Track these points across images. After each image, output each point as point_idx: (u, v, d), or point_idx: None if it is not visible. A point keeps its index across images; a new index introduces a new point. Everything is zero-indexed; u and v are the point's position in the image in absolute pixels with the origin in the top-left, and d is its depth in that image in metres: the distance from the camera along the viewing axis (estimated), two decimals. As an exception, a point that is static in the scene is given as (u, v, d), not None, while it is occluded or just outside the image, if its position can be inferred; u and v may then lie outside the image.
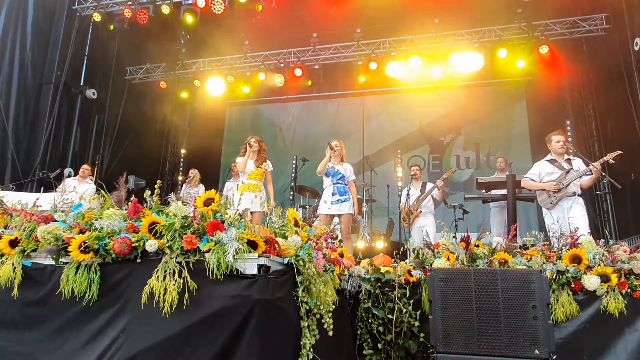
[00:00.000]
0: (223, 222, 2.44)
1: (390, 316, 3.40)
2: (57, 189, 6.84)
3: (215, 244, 2.32)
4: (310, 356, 2.41)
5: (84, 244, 2.42)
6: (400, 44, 9.27)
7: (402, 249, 4.79)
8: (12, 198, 3.74)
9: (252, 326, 2.20)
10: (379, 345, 3.38)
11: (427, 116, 10.65)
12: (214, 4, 8.18)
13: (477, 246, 3.54)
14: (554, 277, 3.28)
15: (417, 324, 3.37)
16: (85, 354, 2.31)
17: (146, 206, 2.67)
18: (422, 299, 3.45)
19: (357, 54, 9.57)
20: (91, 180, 7.44)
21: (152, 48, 9.83)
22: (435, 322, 2.79)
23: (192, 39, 10.57)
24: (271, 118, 11.70)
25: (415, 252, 3.74)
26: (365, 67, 9.52)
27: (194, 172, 8.14)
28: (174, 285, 2.23)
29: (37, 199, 3.43)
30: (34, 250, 2.62)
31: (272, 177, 5.86)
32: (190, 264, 2.30)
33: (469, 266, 3.39)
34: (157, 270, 2.28)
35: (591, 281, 3.21)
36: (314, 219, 3.49)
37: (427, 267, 3.33)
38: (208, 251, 2.32)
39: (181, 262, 2.30)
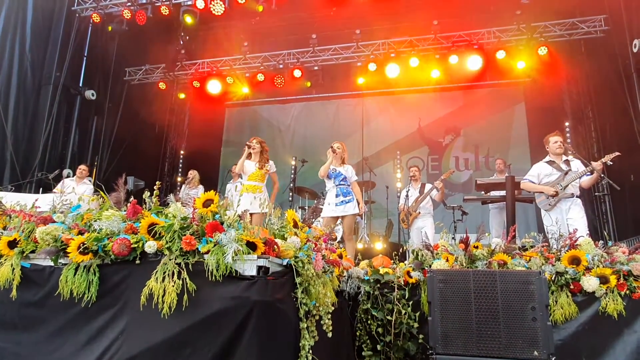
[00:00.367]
0: (222, 223, 2.44)
1: (389, 317, 3.40)
2: (54, 190, 6.83)
3: (215, 245, 2.31)
4: (310, 357, 2.40)
5: (82, 245, 2.42)
6: (399, 45, 9.27)
7: (401, 250, 4.78)
8: (11, 199, 3.74)
9: (251, 327, 2.19)
10: (378, 347, 3.38)
11: (426, 117, 10.66)
12: (213, 5, 8.18)
13: (476, 247, 3.55)
14: (552, 278, 3.29)
15: (416, 325, 3.37)
16: (84, 356, 2.31)
17: (145, 207, 2.67)
18: (421, 300, 3.45)
19: (356, 55, 9.57)
20: (89, 180, 7.42)
21: (151, 49, 9.84)
22: (434, 323, 2.79)
23: (191, 40, 10.58)
24: (270, 119, 11.70)
25: (415, 253, 3.74)
26: (365, 68, 9.52)
27: (193, 173, 8.14)
28: (173, 286, 2.23)
29: (36, 200, 3.42)
30: (32, 252, 2.61)
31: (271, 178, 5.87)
32: (190, 265, 2.29)
33: (468, 267, 3.39)
34: (156, 271, 2.28)
35: (590, 282, 3.21)
36: (314, 220, 3.49)
37: (426, 268, 3.33)
38: (207, 252, 2.32)
39: (180, 263, 2.30)
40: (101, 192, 2.87)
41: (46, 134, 8.20)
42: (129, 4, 8.70)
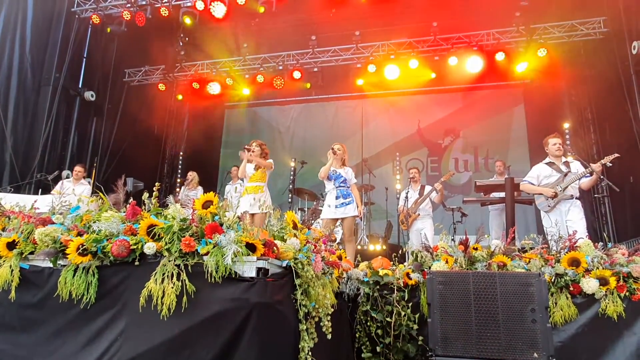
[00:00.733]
0: (222, 224, 2.43)
1: (388, 319, 3.40)
2: (52, 192, 6.82)
3: (214, 247, 2.31)
4: (309, 359, 2.40)
5: (81, 247, 2.41)
6: (399, 46, 9.28)
7: (400, 252, 4.78)
8: (10, 200, 3.73)
9: (250, 329, 2.19)
10: (378, 349, 3.38)
11: (425, 119, 10.67)
12: (213, 7, 8.18)
13: (476, 249, 3.55)
14: (552, 280, 3.28)
15: (415, 327, 3.36)
16: (83, 357, 2.30)
17: (144, 209, 2.66)
18: (420, 302, 3.44)
19: (355, 57, 9.58)
20: (86, 181, 7.39)
21: (151, 50, 9.83)
22: (434, 325, 2.78)
23: (191, 41, 10.57)
24: (270, 121, 11.71)
25: (414, 255, 3.74)
26: (364, 69, 9.55)
27: (192, 175, 8.13)
28: (172, 288, 2.22)
29: (35, 201, 3.41)
30: (31, 253, 2.61)
31: (270, 179, 5.85)
32: (189, 267, 2.29)
33: (467, 269, 3.39)
34: (156, 273, 2.27)
35: (590, 284, 3.21)
36: (313, 221, 3.49)
37: (425, 270, 3.33)
38: (206, 254, 2.31)
39: (179, 264, 2.29)
40: (100, 193, 2.87)
41: (45, 135, 8.19)
42: (129, 5, 8.70)
